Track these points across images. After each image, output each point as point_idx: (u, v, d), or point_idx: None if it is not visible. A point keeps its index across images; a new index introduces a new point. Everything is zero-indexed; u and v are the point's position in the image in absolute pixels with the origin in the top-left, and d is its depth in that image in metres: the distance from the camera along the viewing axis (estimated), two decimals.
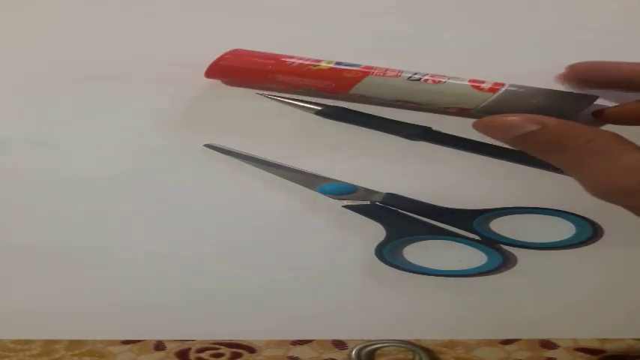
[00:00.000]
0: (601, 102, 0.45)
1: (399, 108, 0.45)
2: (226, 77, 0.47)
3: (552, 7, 0.49)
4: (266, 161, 0.45)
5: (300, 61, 0.45)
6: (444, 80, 0.44)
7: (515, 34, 0.49)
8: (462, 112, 0.44)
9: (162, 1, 0.50)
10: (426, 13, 0.49)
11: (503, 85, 0.44)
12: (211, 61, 0.45)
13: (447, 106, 0.43)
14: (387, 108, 0.46)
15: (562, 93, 0.44)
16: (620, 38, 0.49)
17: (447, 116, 0.46)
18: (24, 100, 0.47)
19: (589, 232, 0.43)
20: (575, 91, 0.44)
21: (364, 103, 0.47)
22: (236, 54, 0.46)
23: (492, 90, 0.43)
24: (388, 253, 0.43)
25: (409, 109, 0.46)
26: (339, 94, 0.44)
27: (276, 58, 0.45)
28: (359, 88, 0.44)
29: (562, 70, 0.46)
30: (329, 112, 0.46)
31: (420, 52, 0.47)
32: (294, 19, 0.49)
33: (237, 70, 0.46)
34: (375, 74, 0.44)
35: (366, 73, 0.44)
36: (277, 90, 0.47)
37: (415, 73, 0.44)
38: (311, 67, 0.45)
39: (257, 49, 0.46)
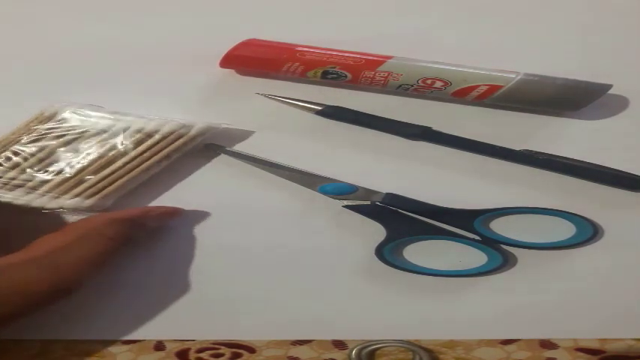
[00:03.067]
0: (614, 91, 0.45)
1: (418, 93, 0.45)
2: (241, 67, 0.47)
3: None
4: (266, 161, 0.45)
5: (317, 50, 0.45)
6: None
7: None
8: (482, 96, 0.44)
9: None
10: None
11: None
12: (226, 51, 0.45)
13: (476, 83, 0.43)
14: (386, 108, 0.46)
15: (576, 82, 0.44)
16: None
17: (446, 116, 0.46)
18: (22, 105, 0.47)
19: (589, 232, 0.43)
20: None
21: (382, 92, 0.46)
22: (250, 43, 0.46)
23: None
24: (388, 253, 0.43)
25: (426, 94, 0.46)
26: (364, 74, 0.44)
27: (291, 47, 0.45)
28: (387, 66, 0.43)
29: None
30: (329, 112, 0.46)
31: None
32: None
33: (252, 60, 0.46)
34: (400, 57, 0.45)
35: (391, 57, 0.45)
36: (292, 79, 0.46)
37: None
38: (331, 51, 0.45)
39: (271, 39, 0.46)
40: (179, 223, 0.44)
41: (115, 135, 0.44)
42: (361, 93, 0.48)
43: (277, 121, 0.46)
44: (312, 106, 0.46)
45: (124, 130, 0.44)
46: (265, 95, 0.47)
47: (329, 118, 0.46)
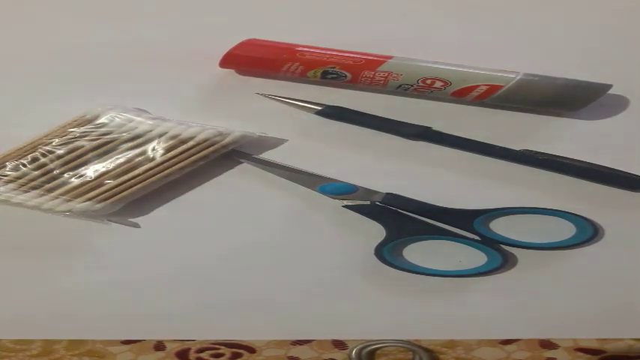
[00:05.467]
0: (614, 91, 0.44)
1: (418, 93, 0.45)
2: (241, 67, 0.47)
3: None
4: (266, 161, 0.45)
5: (317, 50, 0.45)
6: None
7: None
8: (482, 96, 0.44)
9: None
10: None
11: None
12: (226, 51, 0.45)
13: (476, 83, 0.43)
14: (386, 108, 0.46)
15: (576, 82, 0.44)
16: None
17: (446, 116, 0.46)
18: (20, 102, 0.47)
19: (589, 232, 0.43)
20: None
21: (382, 92, 0.46)
22: (250, 43, 0.46)
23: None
24: (388, 253, 0.43)
25: (426, 94, 0.46)
26: (364, 74, 0.44)
27: (291, 47, 0.45)
28: (387, 66, 0.43)
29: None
30: (329, 112, 0.46)
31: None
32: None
33: (252, 60, 0.46)
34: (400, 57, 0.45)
35: (391, 57, 0.45)
36: (292, 79, 0.46)
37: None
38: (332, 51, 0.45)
39: (271, 39, 0.46)
40: (178, 223, 0.44)
41: (150, 141, 0.43)
42: (361, 93, 0.48)
43: (277, 121, 0.46)
44: (312, 106, 0.46)
45: (160, 135, 0.43)
46: (265, 95, 0.47)
47: (329, 118, 0.46)
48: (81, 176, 0.43)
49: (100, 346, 0.42)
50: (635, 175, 0.44)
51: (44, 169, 0.43)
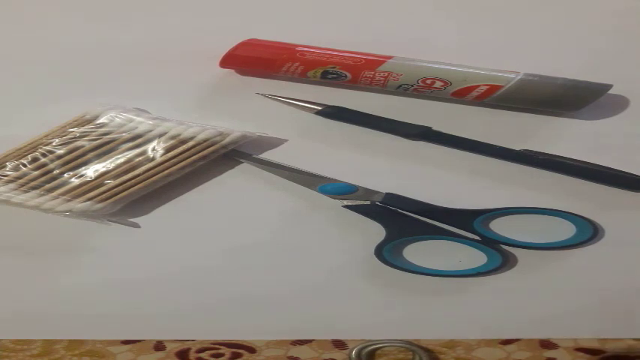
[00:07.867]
0: (614, 91, 0.45)
1: (418, 93, 0.45)
2: (241, 67, 0.47)
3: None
4: (266, 161, 0.45)
5: (317, 50, 0.45)
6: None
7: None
8: (482, 96, 0.44)
9: None
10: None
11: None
12: (226, 51, 0.45)
13: (476, 84, 0.43)
14: (386, 108, 0.46)
15: (576, 82, 0.44)
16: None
17: (446, 116, 0.46)
18: (20, 102, 0.47)
19: (589, 232, 0.43)
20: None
21: (382, 92, 0.46)
22: (250, 43, 0.46)
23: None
24: (388, 253, 0.43)
25: (426, 94, 0.46)
26: (364, 74, 0.44)
27: (291, 47, 0.45)
28: (387, 66, 0.43)
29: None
30: (329, 112, 0.46)
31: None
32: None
33: (252, 60, 0.46)
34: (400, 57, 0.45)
35: (391, 57, 0.45)
36: (292, 79, 0.47)
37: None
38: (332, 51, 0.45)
39: (271, 39, 0.46)
40: (178, 223, 0.44)
41: (150, 141, 0.43)
42: (361, 93, 0.48)
43: (277, 121, 0.47)
44: (312, 106, 0.46)
45: (160, 135, 0.43)
46: (265, 95, 0.47)
47: (329, 118, 0.46)
48: (81, 176, 0.43)
49: (100, 346, 0.42)
50: (635, 175, 0.44)
51: (44, 169, 0.43)
